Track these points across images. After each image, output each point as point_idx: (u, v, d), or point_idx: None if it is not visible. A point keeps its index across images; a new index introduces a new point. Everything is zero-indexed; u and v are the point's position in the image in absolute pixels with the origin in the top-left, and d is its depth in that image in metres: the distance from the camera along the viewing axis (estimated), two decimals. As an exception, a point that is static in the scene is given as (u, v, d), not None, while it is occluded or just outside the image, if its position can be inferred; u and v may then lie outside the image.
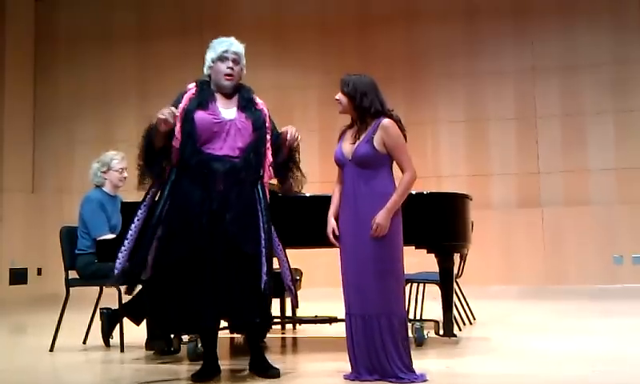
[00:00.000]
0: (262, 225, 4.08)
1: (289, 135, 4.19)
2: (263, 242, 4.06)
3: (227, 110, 4.18)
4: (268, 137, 4.21)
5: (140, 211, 4.13)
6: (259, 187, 4.15)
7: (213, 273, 3.95)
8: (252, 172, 4.12)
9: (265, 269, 4.01)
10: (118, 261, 4.12)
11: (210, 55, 4.29)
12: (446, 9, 11.16)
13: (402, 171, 4.00)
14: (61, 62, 12.31)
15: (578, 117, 10.58)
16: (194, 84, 4.27)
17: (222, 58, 4.24)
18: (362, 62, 9.93)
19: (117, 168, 5.88)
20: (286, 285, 4.30)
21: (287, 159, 4.33)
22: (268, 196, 4.21)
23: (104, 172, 5.87)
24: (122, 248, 4.11)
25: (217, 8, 11.76)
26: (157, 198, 4.12)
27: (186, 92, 4.23)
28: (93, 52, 12.19)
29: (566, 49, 10.72)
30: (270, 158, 4.21)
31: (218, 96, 4.23)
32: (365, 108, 4.00)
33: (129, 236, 4.11)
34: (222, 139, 4.09)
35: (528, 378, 4.12)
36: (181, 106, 4.13)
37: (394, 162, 4.03)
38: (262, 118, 4.21)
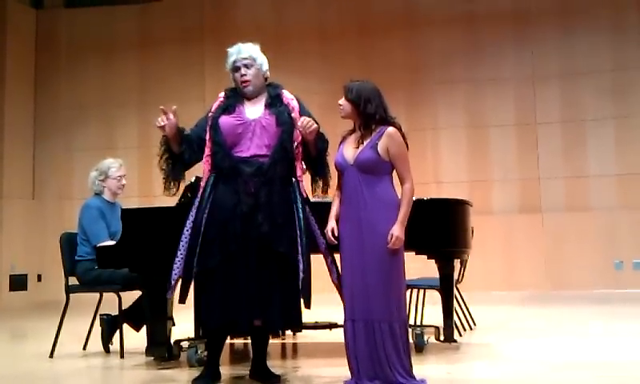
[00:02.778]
0: (297, 222, 4.07)
1: (299, 124, 4.09)
2: (299, 239, 4.05)
3: (253, 109, 4.19)
4: (296, 132, 4.15)
5: (188, 221, 4.13)
6: (294, 184, 4.14)
7: (247, 278, 3.95)
8: (281, 169, 4.09)
9: (302, 266, 4.01)
10: (174, 272, 4.11)
11: (228, 67, 4.32)
12: (446, 16, 11.19)
13: (402, 181, 4.01)
14: (61, 70, 12.33)
15: (578, 123, 10.60)
16: (224, 93, 4.31)
17: (234, 69, 4.28)
18: (362, 69, 9.92)
19: (115, 176, 5.86)
20: (334, 282, 4.18)
21: (315, 157, 4.25)
22: (304, 193, 4.19)
23: (102, 180, 5.86)
24: (177, 259, 4.11)
25: (217, 16, 11.78)
26: (197, 206, 4.13)
27: (216, 101, 4.29)
28: (93, 60, 12.21)
29: (566, 55, 10.75)
30: (299, 151, 4.17)
31: (245, 100, 4.25)
32: (369, 114, 4.00)
33: (181, 247, 4.11)
34: (249, 139, 4.11)
35: (529, 383, 4.11)
36: (210, 114, 4.21)
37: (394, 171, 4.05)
38: (286, 112, 4.18)
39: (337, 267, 4.18)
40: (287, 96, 4.29)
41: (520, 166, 10.74)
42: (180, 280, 4.09)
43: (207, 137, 4.15)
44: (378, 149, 3.96)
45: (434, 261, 5.32)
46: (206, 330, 4.37)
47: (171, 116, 4.13)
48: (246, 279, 3.95)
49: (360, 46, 11.29)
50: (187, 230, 4.11)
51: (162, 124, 4.12)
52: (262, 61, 4.32)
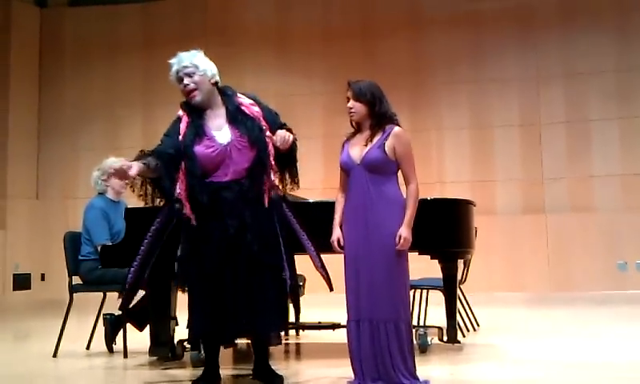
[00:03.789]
0: (279, 232, 4.09)
1: (279, 142, 4.03)
2: (283, 247, 4.07)
3: (220, 133, 4.09)
4: (268, 140, 4.09)
5: (150, 234, 4.16)
6: (268, 195, 4.11)
7: (234, 289, 3.95)
8: (257, 184, 4.07)
9: (288, 274, 4.06)
10: (130, 274, 4.17)
11: (171, 79, 4.22)
12: (450, 17, 11.19)
13: (407, 181, 4.02)
14: (66, 70, 12.36)
15: (583, 124, 10.59)
16: (181, 110, 4.21)
17: (178, 80, 4.18)
18: (366, 70, 9.92)
19: (117, 175, 5.85)
20: (320, 272, 4.25)
21: (287, 151, 4.16)
22: (279, 193, 4.19)
23: (105, 179, 5.86)
24: (135, 263, 4.15)
25: (221, 17, 11.78)
26: (167, 224, 4.14)
27: (179, 119, 4.18)
28: (98, 60, 12.24)
29: (570, 56, 10.74)
30: (272, 161, 4.11)
31: (205, 114, 4.14)
32: (382, 113, 4.01)
33: (141, 252, 4.15)
34: (226, 165, 4.04)
35: (532, 384, 4.11)
36: (180, 138, 4.08)
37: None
38: (255, 125, 4.10)
39: (321, 258, 4.24)
40: (246, 102, 4.19)
41: (524, 166, 10.73)
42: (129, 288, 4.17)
43: (182, 165, 4.04)
44: (386, 148, 3.96)
45: (437, 261, 5.32)
46: (191, 338, 4.37)
47: (123, 165, 3.94)
48: (233, 290, 3.96)
49: (364, 46, 11.29)
50: (147, 240, 4.14)
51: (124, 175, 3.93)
52: (206, 66, 4.17)
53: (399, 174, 4.05)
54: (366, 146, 3.99)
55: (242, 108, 4.16)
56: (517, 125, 10.84)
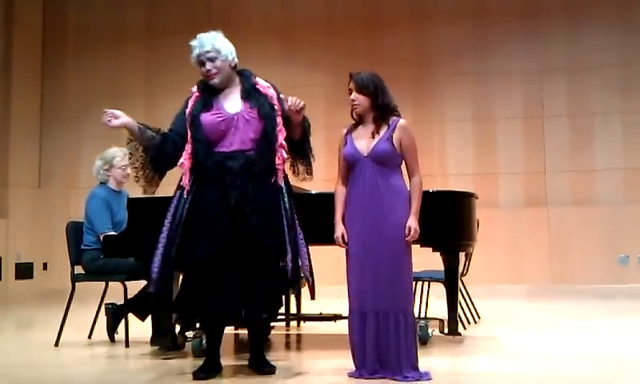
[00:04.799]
0: (284, 213, 4.08)
1: (289, 102, 4.06)
2: (286, 229, 4.05)
3: (231, 103, 4.15)
4: (279, 119, 4.13)
5: (166, 219, 4.13)
6: (277, 175, 4.12)
7: (234, 271, 3.97)
8: (265, 160, 4.08)
9: (290, 256, 4.03)
10: (154, 267, 4.11)
11: (192, 61, 4.25)
12: (454, 9, 11.16)
13: (411, 173, 4.04)
14: (69, 58, 12.35)
15: (586, 117, 10.57)
16: (196, 87, 4.26)
17: (199, 64, 4.21)
18: (370, 61, 9.87)
19: (120, 165, 5.85)
20: (304, 275, 4.21)
21: (300, 139, 4.23)
22: (289, 181, 4.19)
23: (107, 169, 5.86)
24: (156, 255, 4.11)
25: (225, 6, 11.77)
26: (177, 203, 4.12)
27: (190, 97, 4.23)
28: (101, 49, 12.22)
29: (574, 49, 10.71)
30: (281, 139, 4.13)
31: (220, 92, 4.20)
32: (385, 105, 4.02)
33: (160, 243, 4.10)
34: (232, 134, 4.07)
35: (533, 377, 4.12)
36: (187, 110, 4.16)
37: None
38: (267, 102, 4.14)
39: (310, 262, 4.19)
40: (263, 84, 4.23)
41: (526, 159, 10.72)
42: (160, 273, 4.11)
43: (188, 134, 4.10)
44: (393, 141, 3.98)
45: (438, 253, 5.32)
46: (184, 320, 4.36)
47: (113, 112, 4.11)
48: (233, 272, 3.97)
49: (367, 38, 11.27)
50: (168, 223, 4.10)
51: (108, 120, 4.09)
52: (227, 51, 4.19)
53: (402, 165, 4.07)
54: (372, 138, 4.00)
55: (257, 87, 4.21)
56: (520, 117, 10.83)
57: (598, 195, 10.36)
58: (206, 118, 4.09)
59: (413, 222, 3.92)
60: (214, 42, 4.18)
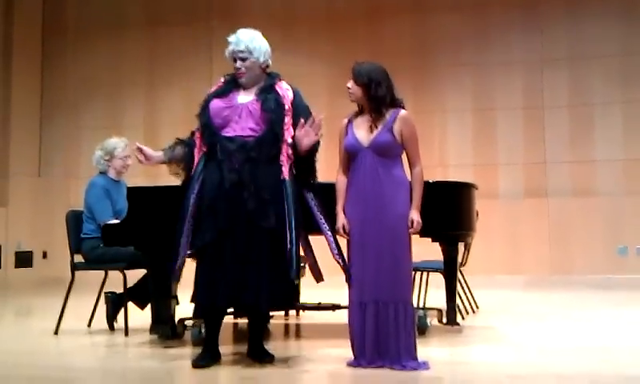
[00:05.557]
0: (285, 198, 4.07)
1: (304, 144, 4.13)
2: (287, 214, 4.05)
3: (244, 96, 4.24)
4: (287, 119, 4.17)
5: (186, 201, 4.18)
6: (279, 165, 4.13)
7: (234, 258, 3.98)
8: (267, 151, 4.10)
9: (289, 238, 4.03)
10: (179, 255, 4.14)
11: (227, 55, 4.34)
12: (454, -1, 11.13)
13: (412, 164, 4.07)
14: (69, 48, 12.31)
15: (586, 107, 10.54)
16: (224, 78, 4.37)
17: (232, 59, 4.31)
18: (370, 52, 9.85)
19: (120, 156, 5.88)
20: (335, 257, 4.16)
21: (305, 157, 4.23)
22: (293, 172, 4.19)
23: (107, 160, 5.88)
24: (182, 243, 4.12)
25: (226, -4, 11.73)
26: (188, 186, 4.22)
27: (216, 84, 4.37)
28: (101, 39, 12.17)
29: (575, 40, 10.67)
30: (287, 139, 4.15)
31: (241, 88, 4.28)
32: (380, 97, 4.02)
33: (185, 231, 4.13)
34: (235, 122, 4.16)
35: (531, 367, 4.13)
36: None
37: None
38: (275, 99, 4.19)
39: (338, 245, 4.17)
40: (283, 87, 4.30)
41: (526, 149, 10.71)
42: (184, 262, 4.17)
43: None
44: (394, 131, 3.99)
45: (438, 244, 5.33)
46: (197, 309, 4.39)
47: (145, 151, 4.30)
48: (233, 259, 3.98)
49: (369, 29, 11.23)
50: (189, 208, 4.13)
51: (143, 161, 4.32)
52: (260, 52, 4.29)
53: (403, 156, 4.07)
54: (371, 129, 4.01)
55: (275, 86, 4.28)
56: (520, 108, 10.81)
57: (598, 186, 10.35)
58: (215, 103, 4.22)
59: (415, 215, 3.96)
60: (249, 43, 4.28)
